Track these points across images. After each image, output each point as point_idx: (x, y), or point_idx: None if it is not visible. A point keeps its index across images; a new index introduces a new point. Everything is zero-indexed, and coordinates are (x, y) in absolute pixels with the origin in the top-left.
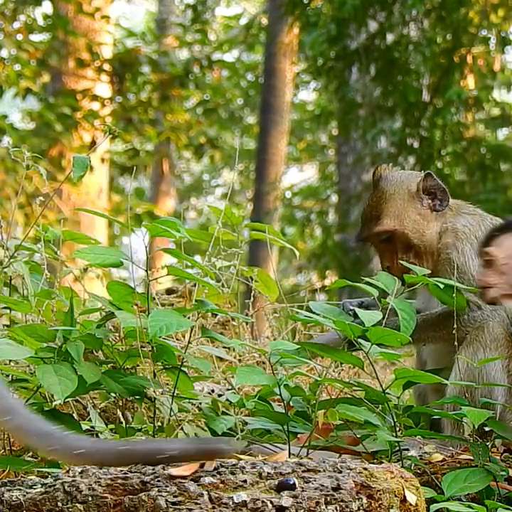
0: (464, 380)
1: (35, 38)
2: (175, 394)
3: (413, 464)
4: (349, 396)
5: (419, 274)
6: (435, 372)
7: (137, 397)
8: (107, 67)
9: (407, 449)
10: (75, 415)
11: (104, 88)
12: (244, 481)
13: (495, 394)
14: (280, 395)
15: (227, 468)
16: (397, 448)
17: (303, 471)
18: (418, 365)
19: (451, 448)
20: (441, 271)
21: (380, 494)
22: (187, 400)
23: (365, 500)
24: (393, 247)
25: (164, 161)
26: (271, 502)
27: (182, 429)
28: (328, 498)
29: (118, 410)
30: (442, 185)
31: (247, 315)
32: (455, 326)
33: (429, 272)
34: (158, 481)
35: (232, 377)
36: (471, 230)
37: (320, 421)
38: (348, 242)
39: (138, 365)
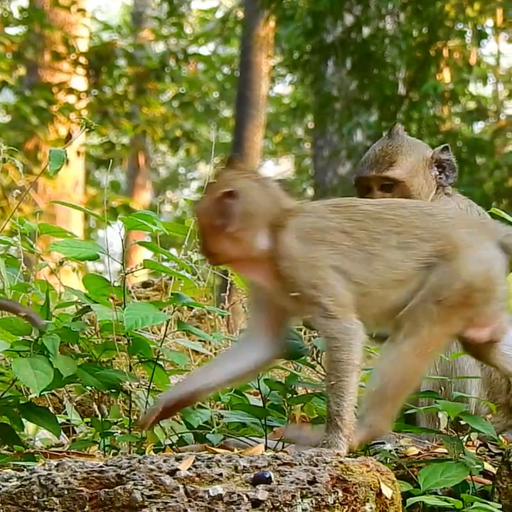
0: (438, 374)
1: (11, 31)
2: (151, 387)
3: (389, 458)
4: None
5: None
6: None
7: (113, 390)
8: (82, 60)
9: (383, 443)
10: (50, 408)
11: (80, 81)
12: (220, 475)
13: (468, 388)
14: (258, 388)
15: (203, 461)
16: (374, 442)
17: (279, 465)
18: None
19: (426, 441)
20: None
21: (356, 488)
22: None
23: (340, 494)
24: (389, 196)
25: (140, 155)
26: (246, 495)
27: (159, 422)
28: (304, 492)
29: (94, 403)
30: (455, 163)
31: (223, 308)
32: None
33: None
34: (134, 474)
35: None
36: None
37: (297, 415)
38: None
39: (114, 359)
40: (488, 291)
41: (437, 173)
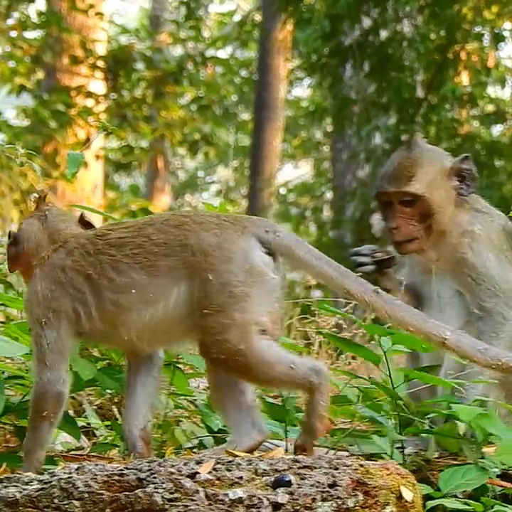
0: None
1: (29, 34)
2: (170, 390)
3: (409, 461)
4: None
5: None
6: (430, 369)
7: None
8: (101, 63)
9: (404, 447)
10: (70, 412)
11: (98, 85)
12: (240, 478)
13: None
14: None
15: (223, 464)
16: (401, 446)
17: (299, 468)
18: (411, 360)
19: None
20: (457, 271)
21: (376, 491)
22: (183, 397)
23: (361, 497)
24: (409, 212)
25: (159, 158)
26: (267, 498)
27: (179, 425)
28: (324, 495)
29: (114, 407)
30: (475, 172)
31: None
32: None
33: (435, 258)
34: (154, 477)
35: None
36: (485, 229)
37: None
38: (343, 238)
39: None
40: (253, 282)
41: (457, 183)
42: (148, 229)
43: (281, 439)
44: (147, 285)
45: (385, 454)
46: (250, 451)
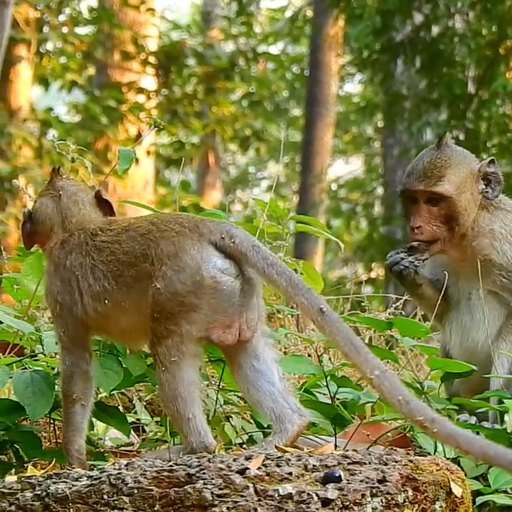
0: (505, 373)
1: (81, 30)
2: (220, 386)
3: (458, 456)
4: None
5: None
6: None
7: None
8: (152, 59)
9: None
10: (120, 408)
11: (149, 81)
12: (290, 474)
13: None
14: (327, 386)
15: (273, 460)
16: None
17: (348, 464)
18: (442, 356)
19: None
20: (486, 272)
21: (425, 486)
22: (232, 393)
23: (410, 493)
24: (435, 212)
25: (210, 154)
26: (316, 494)
27: (229, 421)
28: (374, 491)
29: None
30: (501, 176)
31: (292, 307)
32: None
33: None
34: (204, 473)
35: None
36: (505, 225)
37: (367, 414)
38: (394, 233)
39: None
40: (204, 293)
41: (483, 186)
42: (123, 235)
43: (330, 436)
44: (117, 295)
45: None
46: (297, 436)
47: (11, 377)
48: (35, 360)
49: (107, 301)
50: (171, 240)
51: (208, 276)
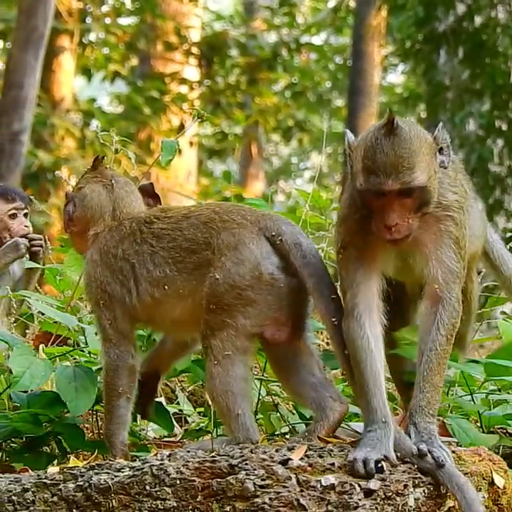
0: None
1: (124, 21)
2: (263, 376)
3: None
4: None
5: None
6: None
7: None
8: (195, 50)
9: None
10: (163, 398)
11: (192, 71)
12: (332, 464)
13: None
14: None
15: (315, 451)
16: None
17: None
18: None
19: None
20: (439, 244)
21: (468, 477)
22: (275, 383)
23: None
24: (408, 204)
25: (253, 144)
26: (359, 485)
27: (278, 410)
28: (417, 481)
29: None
30: (448, 139)
31: None
32: None
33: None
34: (246, 464)
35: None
36: (459, 196)
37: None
38: None
39: None
40: (261, 288)
41: (440, 157)
42: (183, 223)
43: None
44: (178, 281)
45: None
46: (338, 422)
47: (54, 371)
48: (81, 350)
49: (166, 287)
50: (232, 231)
51: (266, 272)
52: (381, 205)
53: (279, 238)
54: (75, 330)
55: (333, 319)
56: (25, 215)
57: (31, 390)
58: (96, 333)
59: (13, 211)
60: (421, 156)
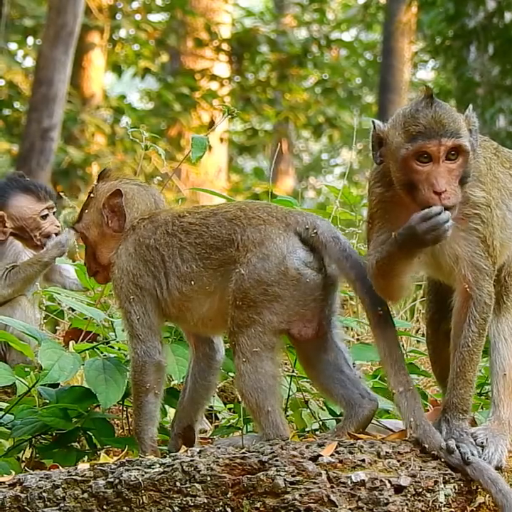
0: None
1: (154, 17)
2: (293, 373)
3: None
4: None
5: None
6: None
7: None
8: (225, 46)
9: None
10: None
11: (222, 68)
12: (363, 461)
13: None
14: None
15: (346, 447)
16: None
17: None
18: None
19: None
20: (467, 242)
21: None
22: (305, 380)
23: None
24: (454, 170)
25: (283, 141)
26: (389, 481)
27: (308, 406)
28: (447, 477)
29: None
30: (477, 124)
31: None
32: None
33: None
34: (277, 460)
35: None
36: (486, 192)
37: (441, 400)
38: None
39: None
40: (287, 284)
41: (472, 140)
42: (211, 219)
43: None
44: (204, 277)
45: None
46: (368, 419)
47: (82, 365)
48: (111, 347)
49: (193, 283)
50: (258, 227)
51: (292, 267)
52: (427, 173)
53: (315, 231)
54: (105, 326)
55: (379, 309)
56: (54, 212)
57: (60, 385)
58: (123, 330)
59: (46, 212)
60: (462, 123)
